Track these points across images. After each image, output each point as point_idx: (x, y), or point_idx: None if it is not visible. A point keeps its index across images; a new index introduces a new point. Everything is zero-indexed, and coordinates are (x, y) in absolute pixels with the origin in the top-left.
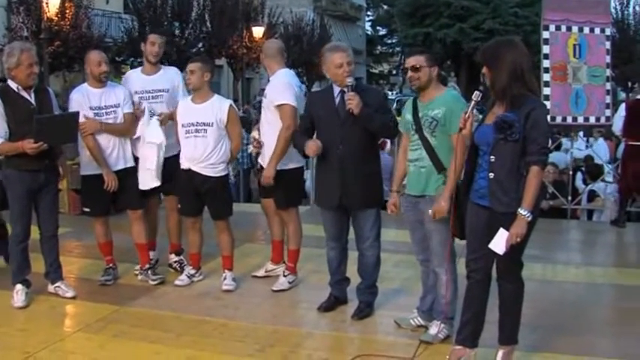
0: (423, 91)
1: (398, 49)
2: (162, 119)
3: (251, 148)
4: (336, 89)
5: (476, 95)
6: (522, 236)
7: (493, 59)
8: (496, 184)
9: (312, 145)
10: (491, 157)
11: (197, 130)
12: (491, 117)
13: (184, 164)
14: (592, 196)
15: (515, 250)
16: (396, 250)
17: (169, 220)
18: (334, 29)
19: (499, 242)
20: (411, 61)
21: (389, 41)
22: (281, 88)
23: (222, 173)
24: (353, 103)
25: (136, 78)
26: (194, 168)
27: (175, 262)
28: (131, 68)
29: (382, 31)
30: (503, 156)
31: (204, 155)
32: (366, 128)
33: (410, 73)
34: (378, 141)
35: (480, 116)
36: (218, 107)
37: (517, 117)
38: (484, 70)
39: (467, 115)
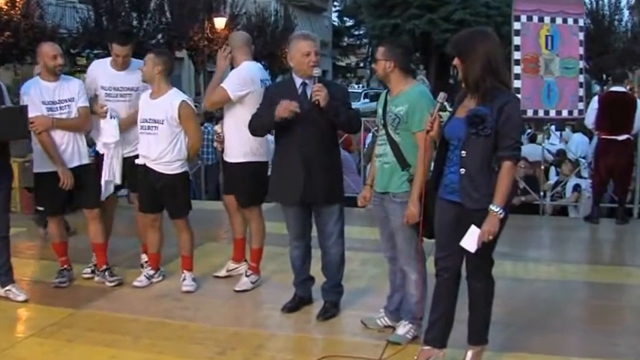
0: (389, 85)
1: (365, 40)
2: (121, 123)
3: (216, 143)
4: (298, 80)
5: (441, 97)
6: (494, 233)
7: (466, 50)
8: (467, 179)
9: (285, 104)
10: (462, 152)
11: (149, 127)
12: (462, 110)
13: (140, 160)
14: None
15: (486, 247)
16: (362, 248)
17: (139, 219)
18: (299, 20)
19: (470, 240)
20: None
21: (356, 33)
22: (234, 79)
23: (179, 171)
24: (321, 94)
25: (104, 71)
26: (149, 165)
27: (147, 261)
28: (87, 60)
29: (349, 22)
30: (475, 151)
31: (157, 153)
32: (330, 122)
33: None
34: (338, 135)
35: (444, 118)
36: (169, 104)
37: (490, 111)
38: (455, 61)
39: (433, 117)
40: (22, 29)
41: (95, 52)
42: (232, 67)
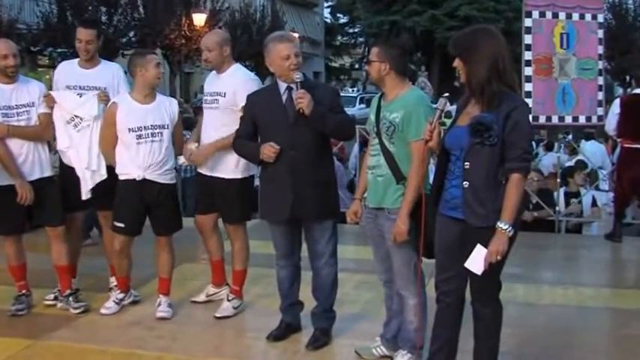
0: (383, 89)
1: (361, 39)
2: (101, 96)
3: (182, 160)
4: (282, 85)
5: (442, 103)
6: (503, 253)
7: (469, 51)
8: (471, 194)
9: (268, 148)
10: (466, 163)
11: (153, 134)
12: (465, 118)
13: (136, 173)
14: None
15: (493, 268)
16: (357, 270)
17: (109, 239)
18: (288, 17)
19: (476, 261)
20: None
21: (351, 31)
22: (253, 85)
23: (174, 180)
24: (304, 102)
25: (70, 70)
26: (150, 177)
27: (116, 285)
28: (50, 60)
29: (343, 19)
30: (480, 162)
31: (163, 160)
32: (319, 130)
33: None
34: (331, 143)
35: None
36: (169, 107)
37: (495, 118)
38: (456, 63)
39: (432, 126)
40: None
41: (59, 50)
42: (212, 70)
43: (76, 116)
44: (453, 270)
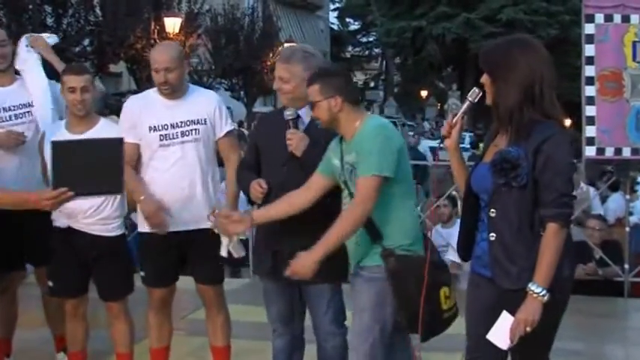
0: (339, 129)
1: (377, 50)
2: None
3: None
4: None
5: (473, 94)
6: (534, 324)
7: (500, 66)
8: (500, 248)
9: (255, 187)
10: (492, 210)
11: None
12: (492, 152)
13: (61, 221)
14: None
15: (535, 343)
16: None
17: (48, 303)
18: (284, 22)
19: (501, 332)
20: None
21: (364, 40)
22: (225, 111)
23: (118, 232)
24: (292, 143)
25: None
26: (76, 226)
27: None
28: None
29: (354, 26)
30: (508, 209)
31: (94, 207)
32: None
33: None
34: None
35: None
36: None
37: (524, 152)
38: (484, 79)
39: (454, 120)
40: None
41: None
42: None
43: None
44: (487, 346)
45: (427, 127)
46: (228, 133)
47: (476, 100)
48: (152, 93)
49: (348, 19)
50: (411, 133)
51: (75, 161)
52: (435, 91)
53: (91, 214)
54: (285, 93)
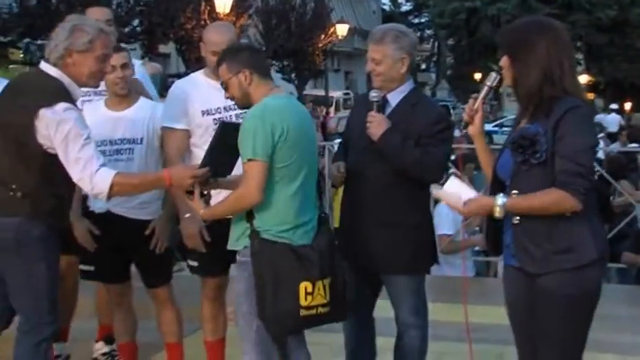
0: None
1: (429, 32)
2: None
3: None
4: (375, 94)
5: (492, 78)
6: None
7: (519, 47)
8: (523, 231)
9: (334, 170)
10: (513, 192)
11: (119, 151)
12: None
13: (98, 205)
14: None
15: (567, 338)
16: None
17: (100, 292)
18: (336, 3)
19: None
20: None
21: (416, 21)
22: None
23: (156, 215)
24: (371, 126)
25: None
26: (116, 210)
27: (104, 354)
28: (26, 54)
29: (406, 7)
30: (529, 189)
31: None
32: (392, 164)
33: None
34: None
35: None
36: (150, 114)
37: (543, 129)
38: (503, 61)
39: (475, 106)
40: None
41: (38, 42)
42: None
43: None
44: (527, 344)
45: None
46: None
47: (495, 84)
48: (199, 76)
49: (400, 1)
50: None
51: (225, 143)
52: (489, 73)
53: (127, 199)
54: (378, 75)
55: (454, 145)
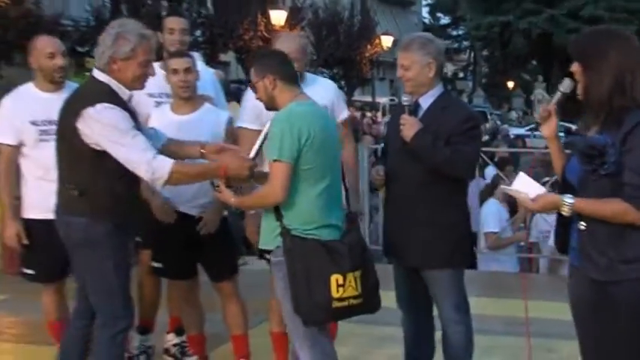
0: (279, 108)
1: (466, 43)
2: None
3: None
4: (406, 98)
5: (565, 85)
6: (535, 210)
7: (591, 55)
8: (589, 238)
9: (374, 174)
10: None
11: None
12: None
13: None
14: None
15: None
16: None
17: (170, 286)
18: (380, 16)
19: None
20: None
21: (454, 33)
22: (342, 97)
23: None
24: (403, 129)
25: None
26: (184, 209)
27: (175, 345)
28: None
29: (444, 20)
30: (596, 197)
31: (199, 189)
32: (424, 164)
33: None
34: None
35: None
36: (215, 120)
37: (612, 140)
38: (574, 67)
39: (548, 111)
40: (12, 18)
41: None
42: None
43: None
44: (591, 342)
45: (514, 116)
46: (345, 120)
47: (568, 91)
48: None
49: (438, 14)
50: (499, 122)
51: None
52: (521, 82)
53: (193, 198)
54: (408, 80)
55: (494, 149)
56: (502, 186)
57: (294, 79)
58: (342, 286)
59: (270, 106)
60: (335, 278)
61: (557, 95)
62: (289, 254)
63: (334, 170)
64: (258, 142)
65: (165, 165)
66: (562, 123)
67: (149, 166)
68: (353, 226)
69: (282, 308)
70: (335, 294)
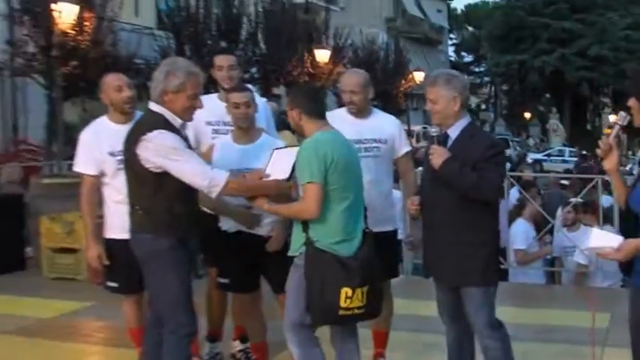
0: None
1: (487, 79)
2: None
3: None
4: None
5: (622, 117)
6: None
7: None
8: None
9: (409, 204)
10: None
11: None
12: None
13: (229, 225)
14: None
15: None
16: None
17: (234, 299)
18: (412, 55)
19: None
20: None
21: (476, 70)
22: (404, 133)
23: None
24: (432, 158)
25: (213, 106)
26: (245, 230)
27: (240, 351)
28: None
29: (468, 58)
30: None
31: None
32: (453, 190)
33: None
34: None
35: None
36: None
37: None
38: (632, 102)
39: (609, 144)
40: (91, 58)
41: None
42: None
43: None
44: None
45: (532, 143)
46: (406, 153)
47: (625, 123)
48: (342, 111)
49: (463, 53)
50: (519, 148)
51: None
52: (537, 113)
53: (264, 217)
54: (435, 113)
55: (520, 174)
56: (582, 247)
57: (317, 113)
58: (349, 298)
59: (300, 132)
60: (345, 291)
61: (616, 129)
62: (309, 262)
63: (357, 190)
64: (290, 165)
65: (221, 175)
66: (572, 149)
67: (205, 175)
68: (367, 241)
69: (286, 301)
70: (343, 304)
